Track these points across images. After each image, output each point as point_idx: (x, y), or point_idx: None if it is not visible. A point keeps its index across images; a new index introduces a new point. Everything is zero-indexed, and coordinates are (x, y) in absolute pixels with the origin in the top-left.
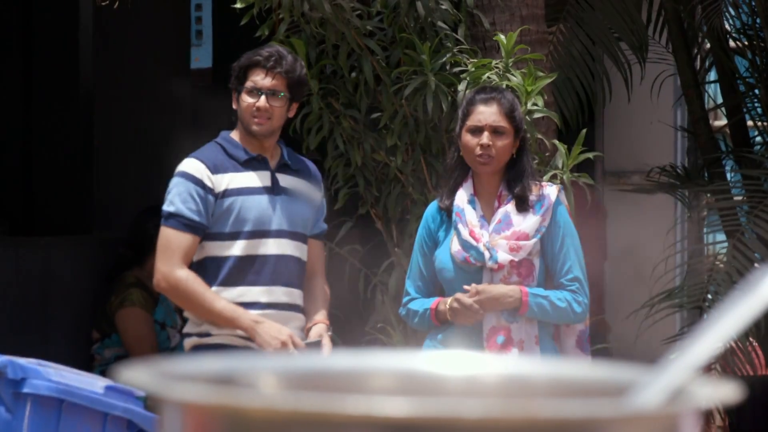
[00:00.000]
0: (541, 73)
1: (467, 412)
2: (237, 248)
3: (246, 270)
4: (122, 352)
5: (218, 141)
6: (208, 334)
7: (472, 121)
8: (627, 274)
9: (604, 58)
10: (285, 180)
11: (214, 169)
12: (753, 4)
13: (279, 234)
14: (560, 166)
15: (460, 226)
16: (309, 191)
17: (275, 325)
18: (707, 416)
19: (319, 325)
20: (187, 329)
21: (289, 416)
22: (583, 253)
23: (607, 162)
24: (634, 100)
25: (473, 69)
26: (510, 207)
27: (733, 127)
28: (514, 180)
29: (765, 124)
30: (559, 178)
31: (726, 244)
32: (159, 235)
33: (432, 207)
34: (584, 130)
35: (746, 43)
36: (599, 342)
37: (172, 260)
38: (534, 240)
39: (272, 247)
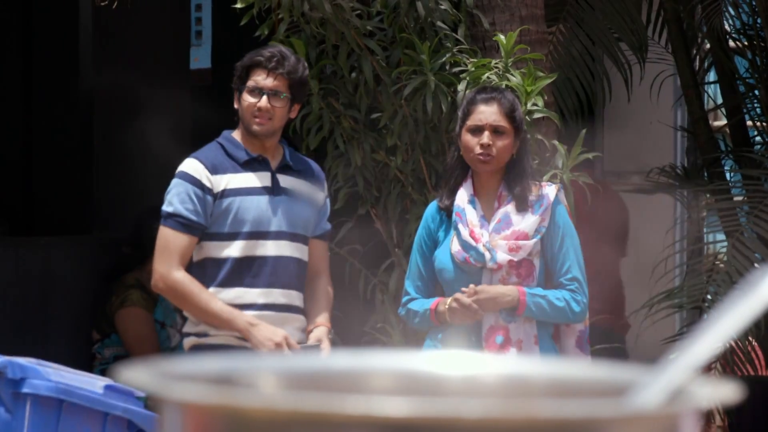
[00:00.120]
0: (541, 74)
1: (467, 412)
2: (235, 249)
3: (244, 271)
4: (122, 351)
5: (219, 141)
6: (206, 334)
7: (472, 121)
8: (626, 274)
9: (604, 58)
10: (286, 181)
11: (213, 170)
12: (753, 4)
13: (278, 235)
14: (560, 166)
15: (460, 226)
16: (310, 192)
17: (270, 327)
18: (707, 416)
19: (320, 328)
20: (186, 329)
21: (289, 416)
22: (603, 252)
23: (607, 162)
24: (633, 100)
25: (473, 69)
26: (510, 207)
27: (732, 128)
28: (514, 180)
29: (765, 124)
30: (558, 178)
31: (726, 244)
32: (158, 235)
33: (432, 207)
34: (584, 131)
35: (746, 43)
36: (619, 342)
37: (169, 261)
38: (533, 240)
39: (271, 248)
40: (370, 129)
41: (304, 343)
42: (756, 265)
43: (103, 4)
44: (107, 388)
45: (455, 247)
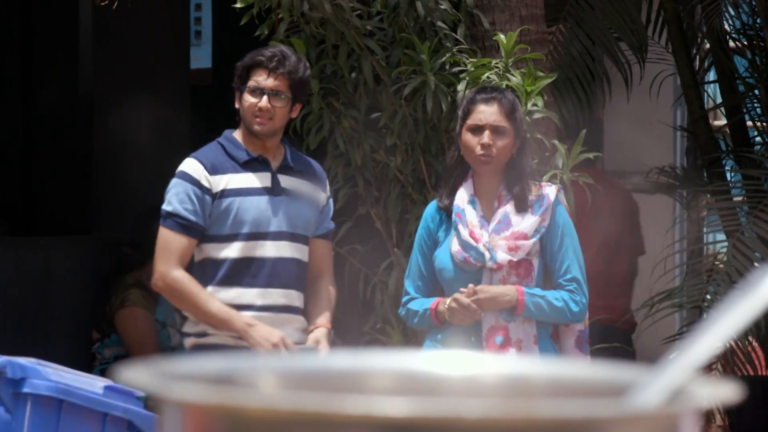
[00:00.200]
0: (540, 74)
1: (467, 412)
2: (234, 250)
3: (243, 272)
4: (122, 351)
5: (220, 140)
6: (205, 334)
7: (472, 121)
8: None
9: (604, 58)
10: (286, 181)
11: (213, 170)
12: (753, 4)
13: (278, 236)
14: (560, 166)
15: (460, 226)
16: (312, 192)
17: (267, 327)
18: (707, 416)
19: (320, 329)
20: (185, 329)
21: (289, 416)
22: (619, 251)
23: (607, 162)
24: (633, 100)
25: (473, 69)
26: (509, 207)
27: (732, 127)
28: (513, 180)
29: (765, 124)
30: (558, 178)
31: (726, 244)
32: (158, 235)
33: (431, 207)
34: (584, 130)
35: (746, 43)
36: (623, 339)
37: (169, 261)
38: (533, 240)
39: (270, 249)
40: (370, 129)
41: (304, 344)
42: (756, 265)
43: (103, 4)
44: (107, 388)
45: (455, 246)
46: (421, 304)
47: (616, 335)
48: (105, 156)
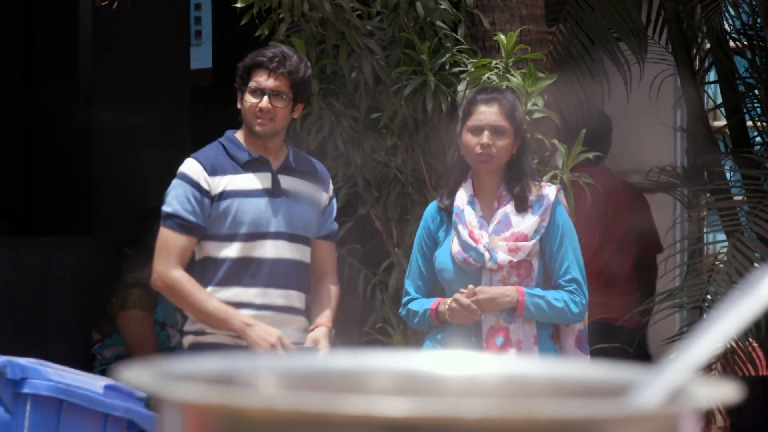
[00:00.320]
0: (541, 74)
1: (467, 412)
2: (234, 250)
3: (242, 272)
4: (122, 351)
5: (221, 141)
6: (203, 332)
7: (472, 121)
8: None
9: (604, 58)
10: (287, 182)
11: (212, 171)
12: (753, 4)
13: (277, 236)
14: (560, 166)
15: (459, 227)
16: (313, 193)
17: (265, 327)
18: (708, 416)
19: (320, 329)
20: (185, 327)
21: (289, 416)
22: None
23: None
24: (633, 100)
25: (473, 69)
26: (509, 208)
27: (732, 128)
28: (513, 180)
29: (765, 124)
30: (558, 178)
31: (726, 244)
32: (158, 235)
33: (432, 207)
34: (584, 130)
35: (746, 43)
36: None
37: (168, 260)
38: (533, 241)
39: (269, 249)
40: (370, 129)
41: (301, 345)
42: (756, 265)
43: (103, 4)
44: (107, 388)
45: (455, 247)
46: (421, 305)
47: (618, 334)
48: (105, 156)
